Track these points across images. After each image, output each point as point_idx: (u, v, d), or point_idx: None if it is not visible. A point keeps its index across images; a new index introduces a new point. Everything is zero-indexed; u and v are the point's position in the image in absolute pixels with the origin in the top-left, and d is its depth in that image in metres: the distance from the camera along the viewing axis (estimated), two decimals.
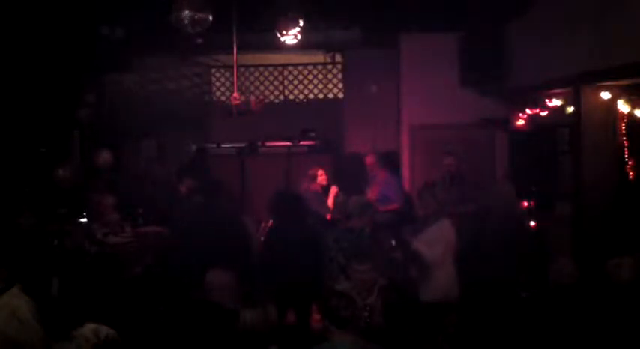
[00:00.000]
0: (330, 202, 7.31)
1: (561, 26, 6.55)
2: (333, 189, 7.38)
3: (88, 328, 3.19)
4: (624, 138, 6.34)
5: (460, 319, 5.18)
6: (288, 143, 9.29)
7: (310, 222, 6.07)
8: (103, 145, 7.93)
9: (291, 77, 10.56)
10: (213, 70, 10.66)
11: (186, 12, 5.27)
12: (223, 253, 5.32)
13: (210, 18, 5.35)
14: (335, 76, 10.47)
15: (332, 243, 5.26)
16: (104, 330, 3.20)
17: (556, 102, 7.16)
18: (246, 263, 5.55)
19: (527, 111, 7.66)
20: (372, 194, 7.35)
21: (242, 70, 10.19)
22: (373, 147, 8.32)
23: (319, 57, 10.17)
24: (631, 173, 6.32)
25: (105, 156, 7.67)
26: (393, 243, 5.67)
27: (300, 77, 10.54)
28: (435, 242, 5.33)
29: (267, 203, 5.87)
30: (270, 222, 7.12)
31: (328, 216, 7.16)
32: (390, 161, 8.35)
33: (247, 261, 5.74)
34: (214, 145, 9.47)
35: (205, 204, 6.25)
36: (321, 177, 7.48)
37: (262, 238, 6.66)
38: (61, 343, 3.34)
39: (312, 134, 9.39)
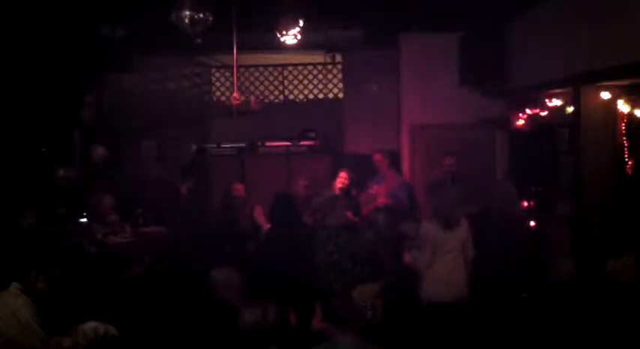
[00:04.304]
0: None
1: (561, 26, 6.55)
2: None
3: (89, 325, 3.19)
4: (624, 138, 6.34)
5: (460, 319, 5.19)
6: (288, 143, 9.29)
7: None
8: (102, 144, 7.93)
9: (291, 77, 10.56)
10: (213, 70, 10.65)
11: (187, 12, 5.27)
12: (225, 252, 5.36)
13: (210, 18, 5.35)
14: (335, 76, 10.45)
15: (322, 244, 5.25)
16: (104, 328, 3.20)
17: (556, 102, 7.15)
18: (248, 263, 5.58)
19: (527, 111, 7.66)
20: (380, 192, 7.35)
21: (242, 70, 10.18)
22: (375, 147, 8.29)
23: (319, 57, 10.16)
24: (631, 173, 6.32)
25: (100, 152, 7.68)
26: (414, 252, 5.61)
27: (300, 77, 10.53)
28: (423, 246, 5.36)
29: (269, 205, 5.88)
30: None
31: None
32: (393, 160, 8.34)
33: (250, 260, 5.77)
34: (214, 145, 9.47)
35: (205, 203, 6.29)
36: (339, 179, 7.41)
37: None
38: (58, 337, 3.34)
39: (312, 134, 9.38)
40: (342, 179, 7.34)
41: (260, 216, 6.80)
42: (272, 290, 4.81)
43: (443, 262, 5.28)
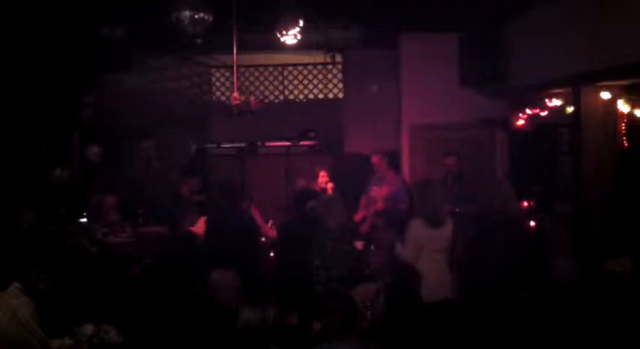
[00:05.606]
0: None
1: (561, 26, 6.54)
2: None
3: (88, 327, 3.20)
4: (624, 138, 6.34)
5: (460, 319, 5.18)
6: (288, 143, 9.30)
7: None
8: (102, 145, 7.95)
9: (291, 77, 10.57)
10: (213, 70, 10.67)
11: (187, 12, 5.27)
12: (227, 252, 5.36)
13: (211, 18, 5.35)
14: (335, 76, 10.48)
15: (317, 246, 5.25)
16: (103, 329, 3.21)
17: (556, 102, 7.16)
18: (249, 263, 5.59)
19: (527, 111, 7.66)
20: (381, 193, 7.36)
21: (242, 70, 10.19)
22: (374, 147, 8.30)
23: (319, 57, 10.17)
24: (631, 173, 6.32)
25: (94, 151, 7.70)
26: (398, 246, 5.60)
27: (300, 77, 10.54)
28: (407, 242, 5.33)
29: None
30: (271, 222, 7.15)
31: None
32: (392, 160, 8.34)
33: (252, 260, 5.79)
34: (214, 145, 9.47)
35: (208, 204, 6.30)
36: (322, 179, 7.47)
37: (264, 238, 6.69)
38: (59, 339, 3.35)
39: (312, 134, 9.40)
40: (324, 178, 7.44)
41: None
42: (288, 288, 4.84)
43: (432, 261, 5.25)
